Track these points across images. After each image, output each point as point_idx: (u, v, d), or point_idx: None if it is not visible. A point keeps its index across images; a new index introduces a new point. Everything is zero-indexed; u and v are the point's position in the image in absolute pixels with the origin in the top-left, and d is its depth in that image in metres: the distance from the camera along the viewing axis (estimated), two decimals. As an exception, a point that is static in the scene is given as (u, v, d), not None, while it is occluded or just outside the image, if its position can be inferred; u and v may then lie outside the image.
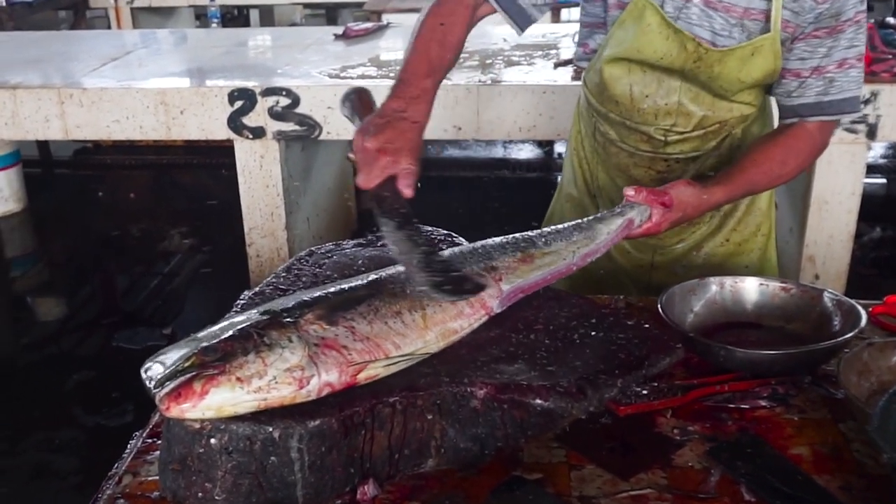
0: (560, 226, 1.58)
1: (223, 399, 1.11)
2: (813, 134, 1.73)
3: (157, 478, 1.23)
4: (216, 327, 1.22)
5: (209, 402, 1.10)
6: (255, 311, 1.25)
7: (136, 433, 1.37)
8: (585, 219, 1.61)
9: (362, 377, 1.20)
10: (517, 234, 1.54)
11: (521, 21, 1.77)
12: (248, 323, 1.20)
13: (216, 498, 1.14)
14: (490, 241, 1.52)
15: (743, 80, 1.70)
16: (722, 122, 1.78)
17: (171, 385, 1.11)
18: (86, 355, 3.95)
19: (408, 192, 1.41)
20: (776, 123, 1.83)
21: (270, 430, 1.12)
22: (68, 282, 4.79)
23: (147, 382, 1.15)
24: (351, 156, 1.49)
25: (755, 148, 1.75)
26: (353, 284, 1.34)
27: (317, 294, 1.30)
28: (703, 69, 1.69)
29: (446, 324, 1.32)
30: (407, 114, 1.48)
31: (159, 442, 1.26)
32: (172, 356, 1.16)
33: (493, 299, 1.39)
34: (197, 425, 1.13)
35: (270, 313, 1.23)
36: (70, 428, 3.33)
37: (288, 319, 1.21)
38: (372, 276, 1.37)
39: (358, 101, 1.55)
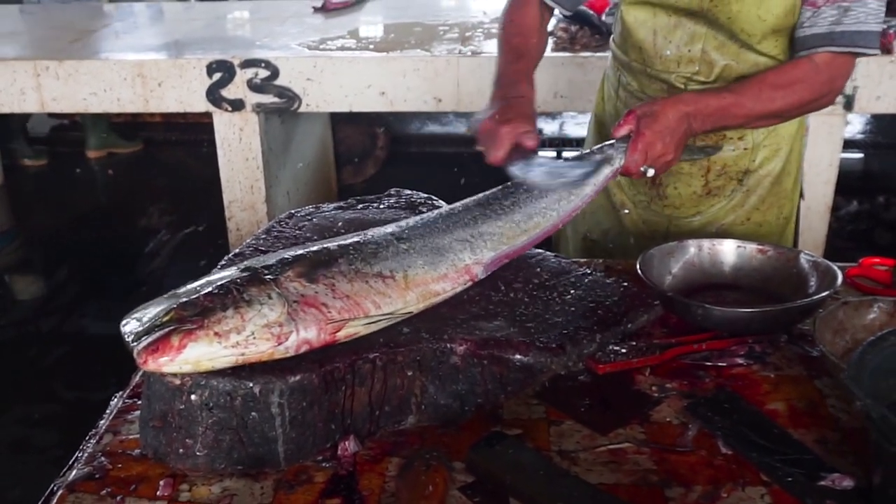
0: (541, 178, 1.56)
1: (200, 353, 1.11)
2: (818, 67, 1.64)
3: (137, 436, 1.23)
4: (196, 283, 1.22)
5: (186, 355, 1.11)
6: (236, 268, 1.25)
7: (117, 394, 1.37)
8: (570, 167, 1.58)
9: (342, 335, 1.21)
10: (506, 189, 1.54)
11: (570, 5, 1.90)
12: (229, 279, 1.20)
13: (197, 454, 1.15)
14: (475, 201, 1.52)
15: (763, 19, 1.67)
16: (746, 77, 1.73)
17: (148, 339, 1.12)
18: (65, 331, 3.93)
19: (529, 143, 1.54)
20: None
21: (251, 385, 1.13)
22: (46, 259, 4.75)
23: (125, 337, 1.15)
24: (479, 148, 1.59)
25: (749, 75, 1.71)
26: (335, 243, 1.34)
27: (298, 252, 1.30)
28: (720, 8, 1.67)
29: (428, 285, 1.33)
30: (511, 93, 1.64)
31: (140, 402, 1.26)
32: (151, 311, 1.16)
33: (477, 266, 1.40)
34: (177, 381, 1.13)
35: (251, 270, 1.23)
36: (49, 402, 3.31)
37: (268, 276, 1.21)
38: (355, 237, 1.38)
39: None
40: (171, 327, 1.12)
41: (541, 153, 1.57)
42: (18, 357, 3.65)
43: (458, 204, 1.53)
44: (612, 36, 1.95)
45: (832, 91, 1.69)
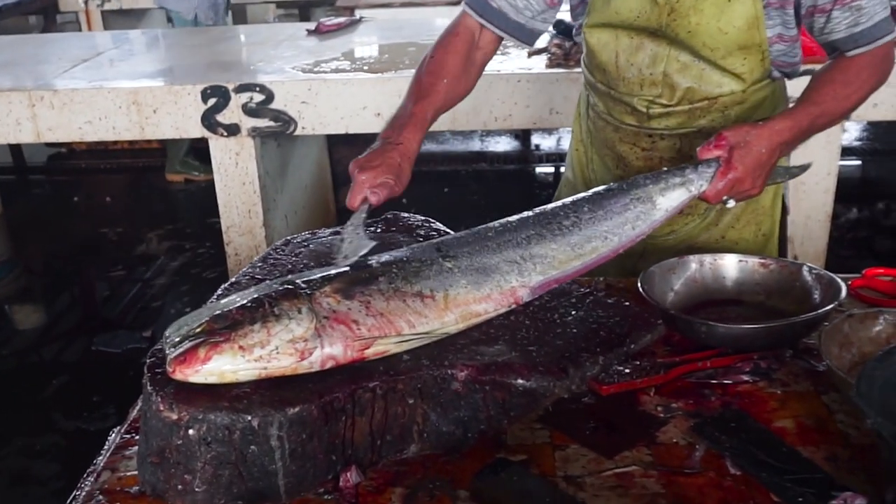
0: (615, 195, 1.51)
1: (224, 366, 1.13)
2: (864, 58, 1.65)
3: (136, 473, 1.22)
4: (237, 295, 1.25)
5: (211, 367, 1.13)
6: (278, 280, 1.28)
7: (115, 429, 1.35)
8: (643, 187, 1.53)
9: (370, 353, 1.21)
10: (567, 206, 1.49)
11: (526, 37, 1.82)
12: (265, 292, 1.22)
13: (196, 490, 1.13)
14: (533, 216, 1.48)
15: (724, 31, 1.65)
16: (710, 98, 1.73)
17: (179, 349, 1.14)
18: (65, 360, 3.91)
19: (372, 198, 1.50)
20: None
21: (249, 418, 1.11)
22: (46, 288, 4.74)
23: (164, 343, 1.19)
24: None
25: (811, 82, 1.69)
26: (381, 260, 1.34)
27: (343, 268, 1.31)
28: (679, 22, 1.66)
29: (469, 306, 1.32)
30: (392, 138, 1.60)
31: (137, 437, 1.24)
32: (190, 322, 1.20)
33: (523, 289, 1.38)
34: (174, 416, 1.12)
35: (290, 283, 1.25)
36: (50, 433, 3.29)
37: (304, 291, 1.23)
38: (400, 254, 1.37)
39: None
40: (201, 339, 1.15)
41: (361, 227, 1.50)
42: (19, 387, 3.63)
43: (515, 218, 1.48)
44: (581, 56, 1.92)
45: (890, 65, 1.70)
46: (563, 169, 2.17)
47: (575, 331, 1.35)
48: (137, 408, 1.36)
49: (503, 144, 6.05)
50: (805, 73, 1.78)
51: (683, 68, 1.71)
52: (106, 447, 1.31)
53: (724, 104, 1.74)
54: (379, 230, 1.62)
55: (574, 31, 1.91)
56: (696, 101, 1.74)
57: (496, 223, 1.47)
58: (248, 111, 3.45)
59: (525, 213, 1.49)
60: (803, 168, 1.77)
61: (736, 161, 1.53)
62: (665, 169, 1.59)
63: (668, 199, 1.53)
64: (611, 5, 1.71)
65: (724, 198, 1.56)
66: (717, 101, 1.74)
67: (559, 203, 1.53)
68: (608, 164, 1.90)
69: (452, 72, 1.75)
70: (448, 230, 1.59)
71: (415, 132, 1.63)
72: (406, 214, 1.68)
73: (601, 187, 1.57)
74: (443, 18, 5.22)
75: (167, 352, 1.17)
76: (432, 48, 1.79)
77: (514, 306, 1.38)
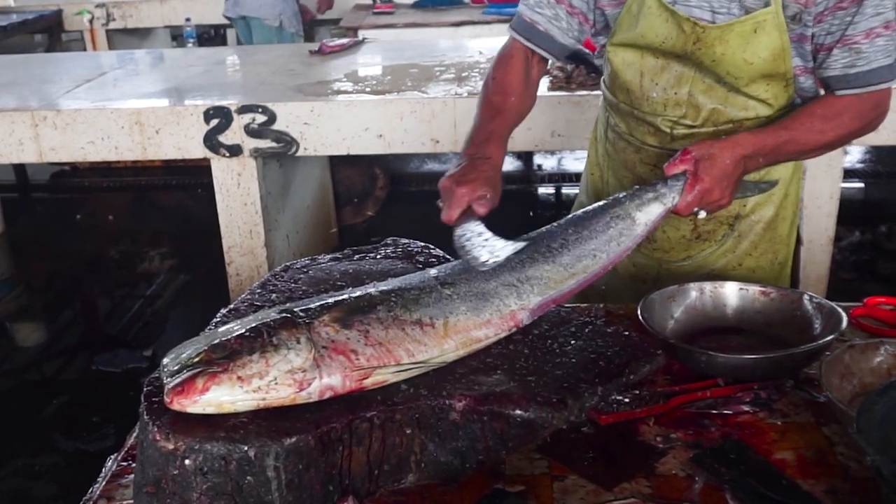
0: (595, 215, 1.55)
1: (223, 397, 1.12)
2: (850, 101, 1.64)
3: (132, 501, 1.21)
4: (235, 323, 1.24)
5: (209, 398, 1.12)
6: (276, 308, 1.27)
7: (111, 456, 1.35)
8: (621, 205, 1.56)
9: (369, 382, 1.21)
10: (553, 230, 1.53)
11: (571, 57, 1.86)
12: (263, 321, 1.21)
13: (192, 520, 1.12)
14: (523, 240, 1.50)
15: (749, 62, 1.65)
16: (735, 121, 1.72)
17: (177, 379, 1.13)
18: (66, 379, 3.90)
19: (480, 209, 1.50)
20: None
21: (246, 448, 1.10)
22: (47, 306, 4.74)
23: (162, 372, 1.18)
24: (439, 203, 1.54)
25: (795, 110, 1.69)
26: (380, 288, 1.34)
27: (340, 297, 1.30)
28: (704, 51, 1.66)
29: (469, 332, 1.32)
30: (479, 154, 1.62)
31: (134, 465, 1.24)
32: (188, 350, 1.19)
33: (523, 311, 1.39)
34: (170, 446, 1.11)
35: (289, 312, 1.24)
36: (50, 453, 3.28)
37: (303, 320, 1.22)
38: (399, 282, 1.37)
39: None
40: (199, 369, 1.14)
41: (484, 228, 1.49)
42: (19, 405, 3.62)
43: (506, 244, 1.49)
44: (602, 77, 1.94)
45: (879, 115, 1.69)
46: (564, 189, 2.18)
47: (574, 361, 1.34)
48: (134, 435, 1.35)
49: (505, 164, 6.04)
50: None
51: (709, 89, 1.71)
52: (102, 475, 1.30)
53: (749, 129, 1.71)
54: (378, 256, 1.62)
55: (596, 52, 1.91)
56: (721, 123, 1.74)
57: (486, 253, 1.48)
58: (251, 132, 3.46)
59: (514, 242, 1.50)
60: (771, 184, 1.78)
61: (702, 173, 1.54)
62: (637, 186, 1.62)
63: (646, 213, 1.56)
64: (637, 28, 1.71)
65: (695, 209, 1.58)
66: (742, 125, 1.72)
67: (546, 228, 1.55)
68: (626, 186, 1.90)
69: (518, 89, 1.79)
70: (448, 256, 1.59)
71: (498, 147, 1.67)
72: (405, 240, 1.68)
73: (582, 210, 1.60)
74: (446, 40, 5.25)
75: (164, 381, 1.16)
76: (491, 71, 1.82)
77: (513, 330, 1.38)
